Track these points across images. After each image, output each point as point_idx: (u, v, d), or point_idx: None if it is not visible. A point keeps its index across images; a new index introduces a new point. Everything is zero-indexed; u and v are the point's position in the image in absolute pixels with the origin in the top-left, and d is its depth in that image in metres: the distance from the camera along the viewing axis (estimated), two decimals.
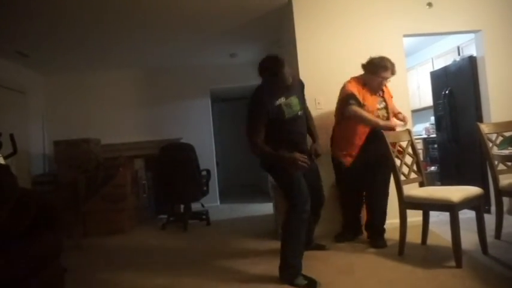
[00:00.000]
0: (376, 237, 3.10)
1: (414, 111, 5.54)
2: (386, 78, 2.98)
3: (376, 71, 2.96)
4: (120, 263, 3.31)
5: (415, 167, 2.96)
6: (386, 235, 3.10)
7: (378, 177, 3.07)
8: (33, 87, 5.46)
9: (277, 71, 2.46)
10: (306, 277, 2.38)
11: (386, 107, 3.10)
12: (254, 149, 2.50)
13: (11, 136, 3.41)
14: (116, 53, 5.07)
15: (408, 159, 2.95)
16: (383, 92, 3.13)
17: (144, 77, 6.06)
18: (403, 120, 3.16)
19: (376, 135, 2.86)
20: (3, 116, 4.59)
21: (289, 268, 2.42)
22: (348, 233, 3.26)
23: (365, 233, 3.25)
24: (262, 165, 2.69)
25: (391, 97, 3.23)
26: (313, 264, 2.72)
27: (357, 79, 3.09)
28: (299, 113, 2.64)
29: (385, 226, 3.14)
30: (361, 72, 3.10)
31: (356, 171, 3.05)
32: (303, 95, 2.80)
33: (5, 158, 3.21)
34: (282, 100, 2.55)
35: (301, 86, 2.79)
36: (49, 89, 5.82)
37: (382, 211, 3.12)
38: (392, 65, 2.98)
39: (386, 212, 3.13)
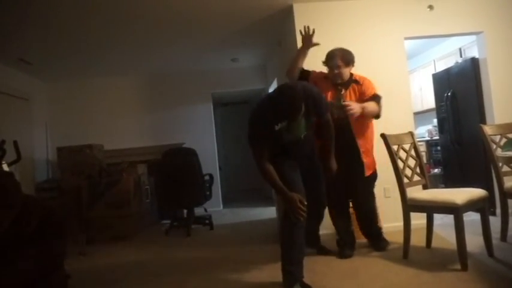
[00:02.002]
0: (375, 239, 3.06)
1: (417, 114, 5.53)
2: (335, 67, 2.88)
3: (326, 62, 2.97)
4: (124, 270, 3.31)
5: (418, 170, 2.94)
6: (391, 239, 3.07)
7: (354, 175, 2.91)
8: (36, 94, 5.49)
9: (292, 116, 2.29)
10: (303, 285, 2.35)
11: (343, 108, 2.76)
12: (262, 175, 2.41)
13: (15, 143, 3.43)
14: (118, 59, 5.09)
15: (411, 162, 2.93)
16: (348, 91, 2.91)
17: (146, 82, 6.08)
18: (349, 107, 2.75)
19: (341, 129, 2.76)
20: (7, 123, 4.61)
21: (287, 275, 2.38)
22: (344, 249, 2.99)
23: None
24: None
25: (366, 96, 2.91)
26: (317, 268, 2.70)
27: (322, 71, 3.05)
28: (302, 136, 2.51)
29: (383, 228, 3.11)
30: (359, 74, 3.03)
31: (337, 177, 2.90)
32: (317, 111, 2.57)
33: (8, 164, 3.22)
34: (282, 124, 2.37)
35: (313, 102, 2.50)
36: (52, 95, 5.86)
37: (369, 211, 3.04)
38: (341, 51, 2.91)
39: (374, 211, 3.09)
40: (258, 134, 2.39)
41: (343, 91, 2.92)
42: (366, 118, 2.90)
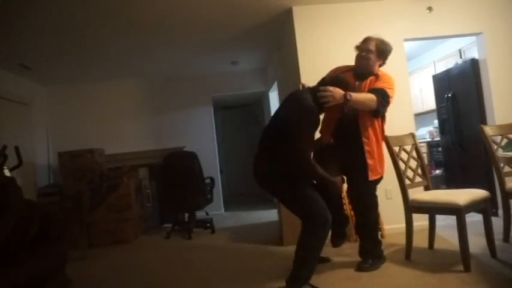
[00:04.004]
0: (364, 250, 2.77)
1: (417, 115, 5.53)
2: (365, 49, 2.68)
3: (360, 44, 2.78)
4: (125, 274, 3.30)
5: (419, 171, 2.94)
6: (393, 240, 3.05)
7: (355, 176, 2.73)
8: (36, 99, 5.49)
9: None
10: (312, 286, 2.35)
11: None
12: (309, 168, 2.35)
13: (16, 148, 3.43)
14: (119, 63, 5.10)
15: (413, 163, 2.93)
16: (364, 84, 2.69)
17: (147, 86, 6.09)
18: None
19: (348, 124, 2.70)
20: (8, 129, 4.62)
21: (301, 280, 2.33)
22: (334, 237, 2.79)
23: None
24: (270, 177, 2.46)
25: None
26: (319, 270, 2.69)
27: (345, 65, 2.87)
28: None
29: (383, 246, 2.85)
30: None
31: None
32: None
33: (10, 170, 3.23)
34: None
35: None
36: (52, 100, 5.86)
37: (366, 220, 2.74)
38: (379, 39, 2.70)
39: (370, 220, 2.74)
40: (313, 123, 2.43)
41: (357, 83, 2.68)
42: (365, 112, 2.61)
